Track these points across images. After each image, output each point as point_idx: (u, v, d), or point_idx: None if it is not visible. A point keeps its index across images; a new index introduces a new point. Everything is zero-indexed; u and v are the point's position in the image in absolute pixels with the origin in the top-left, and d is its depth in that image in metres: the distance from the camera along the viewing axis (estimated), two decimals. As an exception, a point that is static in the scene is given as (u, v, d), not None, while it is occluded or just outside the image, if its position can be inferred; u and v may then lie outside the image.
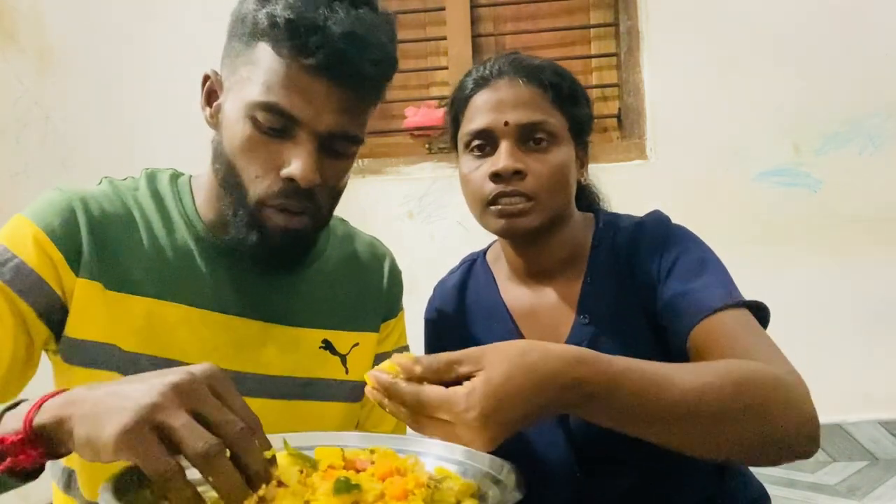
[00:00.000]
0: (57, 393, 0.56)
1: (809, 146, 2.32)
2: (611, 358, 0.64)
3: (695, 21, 2.37)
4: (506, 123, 0.92)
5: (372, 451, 0.65)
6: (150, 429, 0.49)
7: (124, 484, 0.54)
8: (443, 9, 2.53)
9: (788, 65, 2.32)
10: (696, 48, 2.36)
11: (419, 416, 0.60)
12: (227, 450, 0.51)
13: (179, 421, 0.49)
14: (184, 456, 0.49)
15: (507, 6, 2.57)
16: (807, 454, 0.71)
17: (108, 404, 0.51)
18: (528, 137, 0.93)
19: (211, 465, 0.49)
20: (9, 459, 0.53)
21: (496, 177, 0.92)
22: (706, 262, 0.89)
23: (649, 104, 2.40)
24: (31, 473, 0.56)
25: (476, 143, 0.95)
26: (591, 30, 2.56)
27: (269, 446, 0.54)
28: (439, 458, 0.66)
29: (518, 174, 0.91)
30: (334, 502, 0.53)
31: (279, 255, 0.83)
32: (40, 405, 0.55)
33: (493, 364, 0.59)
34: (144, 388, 0.50)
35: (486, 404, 0.57)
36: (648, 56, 2.40)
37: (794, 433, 0.69)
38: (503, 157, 0.91)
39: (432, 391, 0.59)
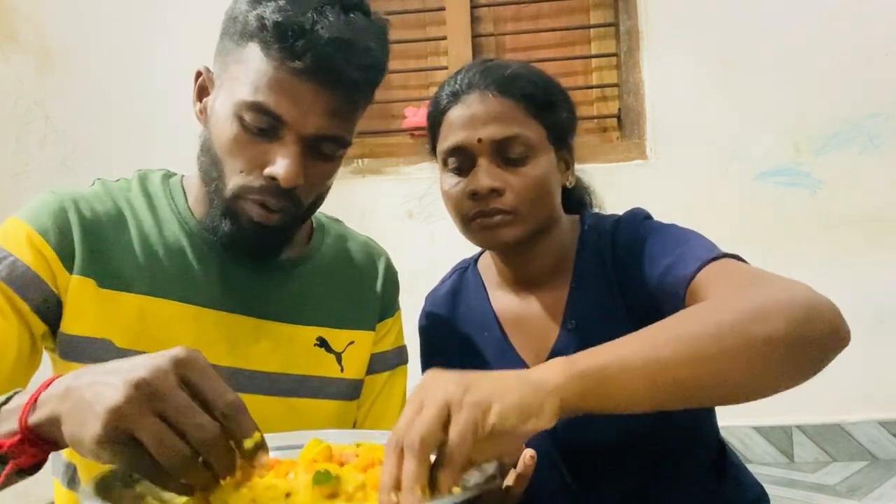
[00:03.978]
0: (50, 382, 0.55)
1: (809, 146, 2.32)
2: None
3: (695, 21, 2.37)
4: (479, 140, 0.90)
5: (358, 446, 0.65)
6: (120, 435, 0.49)
7: (108, 483, 0.54)
8: (443, 9, 2.53)
9: (788, 65, 2.32)
10: (696, 48, 2.37)
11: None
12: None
13: (145, 431, 0.48)
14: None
15: (507, 6, 2.57)
16: (837, 340, 0.64)
17: (85, 402, 0.50)
18: (504, 152, 0.90)
19: (182, 472, 0.49)
20: (11, 463, 0.53)
21: (474, 195, 0.90)
22: (679, 236, 0.87)
23: (649, 104, 2.40)
24: (34, 468, 0.56)
25: (452, 160, 0.93)
26: (591, 30, 2.56)
27: (252, 431, 0.52)
28: None
29: (495, 192, 0.90)
30: (314, 493, 0.54)
31: (251, 247, 0.83)
32: (35, 399, 0.54)
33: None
34: (113, 388, 0.49)
35: (449, 374, 0.54)
36: (648, 56, 2.40)
37: (812, 317, 0.62)
38: (480, 177, 0.90)
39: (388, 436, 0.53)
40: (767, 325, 0.60)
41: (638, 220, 0.93)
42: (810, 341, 0.63)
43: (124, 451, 0.49)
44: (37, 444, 0.54)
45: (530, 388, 0.54)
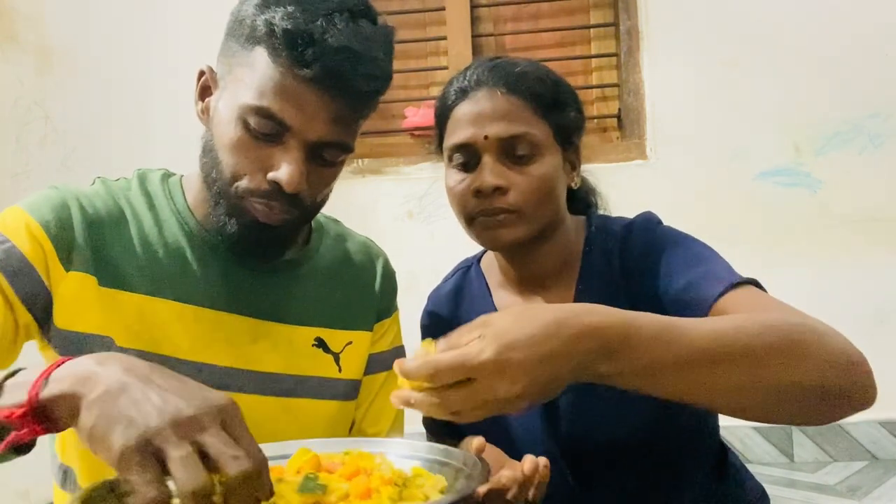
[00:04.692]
0: (63, 362, 0.55)
1: (809, 146, 2.32)
2: (621, 310, 0.62)
3: (695, 21, 2.36)
4: (485, 137, 0.90)
5: (346, 454, 0.65)
6: (150, 453, 0.48)
7: (95, 498, 0.54)
8: (443, 9, 2.53)
9: (788, 65, 2.32)
10: (696, 48, 2.36)
11: (443, 393, 0.58)
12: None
13: (179, 452, 0.48)
14: (175, 485, 0.48)
15: (507, 6, 2.57)
16: (865, 398, 0.66)
17: (118, 405, 0.50)
18: (510, 151, 0.90)
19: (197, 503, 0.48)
20: (12, 434, 0.53)
21: (478, 193, 0.90)
22: (700, 253, 0.87)
23: (649, 104, 2.40)
24: (26, 446, 0.55)
25: (458, 156, 0.93)
26: (591, 30, 2.56)
27: (268, 492, 0.52)
28: (416, 457, 0.68)
29: (499, 190, 0.89)
30: (298, 499, 0.54)
31: (257, 247, 0.84)
32: (47, 376, 0.54)
33: (499, 316, 0.60)
34: (156, 405, 0.49)
35: (496, 343, 0.56)
36: (648, 56, 2.40)
37: (840, 374, 0.64)
38: (484, 174, 0.89)
39: (443, 355, 0.57)
40: (801, 372, 0.63)
41: (651, 227, 0.93)
42: (836, 396, 0.65)
43: (143, 468, 0.48)
44: (41, 420, 0.53)
45: (572, 373, 0.59)
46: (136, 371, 0.53)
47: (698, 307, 0.79)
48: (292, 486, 0.56)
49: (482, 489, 0.68)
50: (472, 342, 0.58)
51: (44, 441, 0.88)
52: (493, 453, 0.80)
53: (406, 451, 0.69)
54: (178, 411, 0.49)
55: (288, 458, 0.64)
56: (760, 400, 0.64)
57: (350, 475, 0.59)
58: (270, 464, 0.61)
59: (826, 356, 0.64)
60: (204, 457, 0.49)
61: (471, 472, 0.60)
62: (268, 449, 0.65)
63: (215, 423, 0.50)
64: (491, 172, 0.89)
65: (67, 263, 0.79)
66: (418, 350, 0.62)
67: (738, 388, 0.63)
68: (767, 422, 0.68)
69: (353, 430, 0.98)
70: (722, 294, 0.78)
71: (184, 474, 0.47)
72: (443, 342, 0.60)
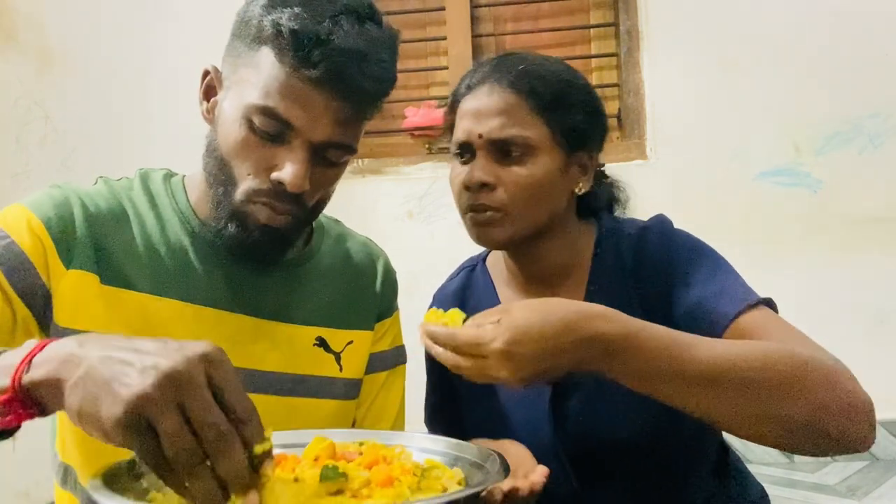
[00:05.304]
0: (45, 345, 0.54)
1: (809, 146, 2.32)
2: (632, 318, 0.67)
3: (695, 21, 2.37)
4: (479, 136, 0.90)
5: (361, 444, 0.66)
6: (142, 420, 0.47)
7: (115, 476, 0.55)
8: (443, 9, 2.53)
9: (788, 65, 2.32)
10: (696, 48, 2.36)
11: (458, 358, 0.67)
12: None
13: (166, 423, 0.47)
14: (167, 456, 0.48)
15: (507, 6, 2.57)
16: (859, 443, 0.68)
17: (102, 379, 0.49)
18: (502, 150, 0.90)
19: (187, 472, 0.48)
20: None
21: (467, 187, 0.91)
22: (716, 266, 0.87)
23: (649, 104, 2.40)
24: (9, 431, 0.55)
25: (459, 151, 0.94)
26: (591, 30, 2.56)
27: (261, 438, 0.51)
28: (429, 451, 0.69)
29: (487, 186, 0.90)
30: (320, 489, 0.54)
31: (256, 249, 0.84)
32: (29, 360, 0.53)
33: (517, 307, 0.67)
34: (137, 370, 0.48)
35: (508, 335, 0.64)
36: (648, 56, 2.40)
37: (836, 416, 0.66)
38: (474, 170, 0.91)
39: (464, 330, 0.67)
40: (793, 409, 0.66)
41: (667, 231, 0.93)
42: (826, 436, 0.67)
43: (139, 437, 0.48)
44: (27, 405, 0.53)
45: (572, 367, 0.66)
46: (114, 344, 0.52)
47: (713, 325, 0.81)
48: (314, 477, 0.56)
49: (505, 486, 0.68)
50: (489, 326, 0.66)
51: (44, 441, 0.89)
52: (520, 451, 0.81)
53: (421, 444, 0.70)
54: (160, 371, 0.48)
55: (303, 446, 0.64)
56: (751, 425, 0.68)
57: (369, 464, 0.60)
58: (287, 452, 0.61)
59: (824, 397, 0.67)
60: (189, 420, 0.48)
61: (488, 467, 0.61)
62: (283, 437, 0.65)
63: (200, 376, 0.49)
64: (480, 169, 0.90)
65: (68, 261, 0.79)
66: (428, 314, 0.73)
67: (730, 411, 0.67)
68: (760, 444, 0.71)
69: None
70: (738, 314, 0.80)
71: (172, 446, 0.47)
72: (471, 321, 0.69)
